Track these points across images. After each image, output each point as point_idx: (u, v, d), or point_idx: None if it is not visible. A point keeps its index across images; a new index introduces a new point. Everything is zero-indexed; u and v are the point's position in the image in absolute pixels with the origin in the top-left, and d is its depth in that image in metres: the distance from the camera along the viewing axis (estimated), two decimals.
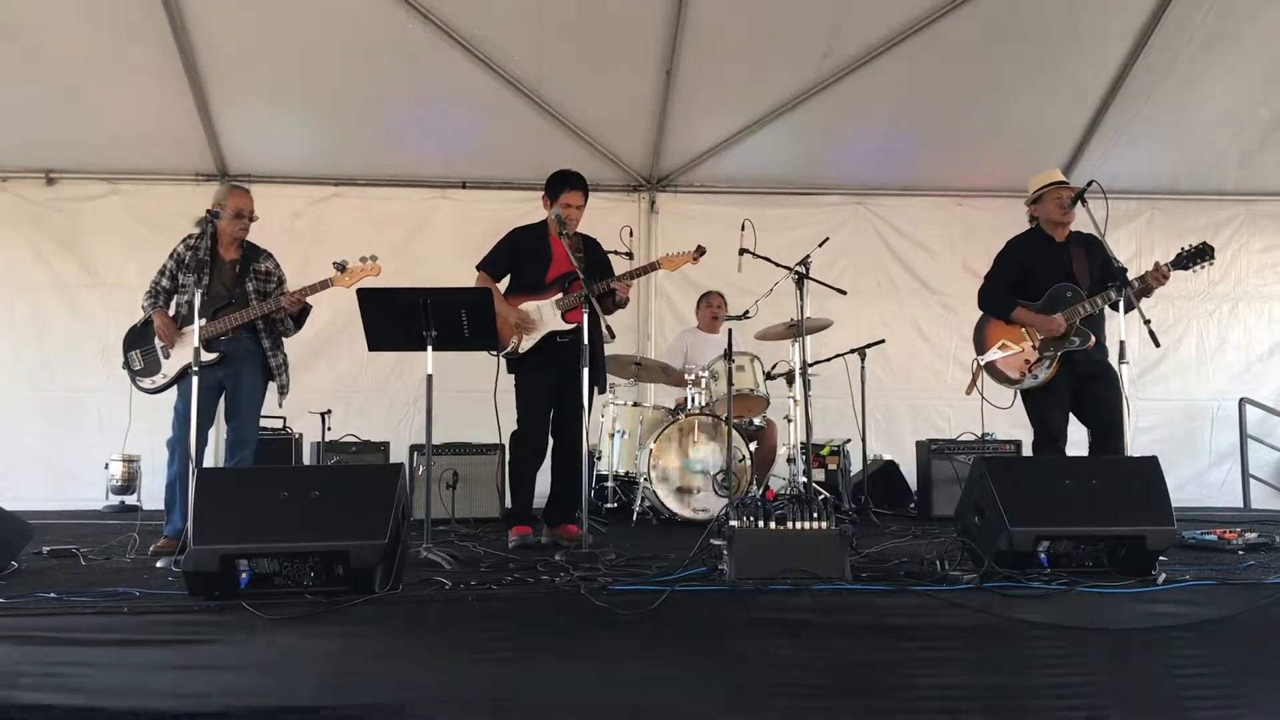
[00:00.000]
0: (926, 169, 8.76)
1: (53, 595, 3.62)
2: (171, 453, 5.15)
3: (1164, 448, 8.23)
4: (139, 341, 5.33)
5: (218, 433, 5.72)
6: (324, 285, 5.24)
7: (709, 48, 7.47)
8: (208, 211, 5.17)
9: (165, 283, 5.33)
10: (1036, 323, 5.40)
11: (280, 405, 5.66)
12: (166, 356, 5.24)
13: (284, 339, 5.48)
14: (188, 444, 5.03)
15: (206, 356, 5.06)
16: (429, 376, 4.82)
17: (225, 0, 7.07)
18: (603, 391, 6.08)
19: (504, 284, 5.58)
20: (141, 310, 5.36)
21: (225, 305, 5.19)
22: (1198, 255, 5.28)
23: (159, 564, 4.59)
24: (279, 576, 3.57)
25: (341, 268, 5.22)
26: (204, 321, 5.09)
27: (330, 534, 3.56)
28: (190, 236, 5.35)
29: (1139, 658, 3.62)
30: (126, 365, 5.34)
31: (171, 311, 5.33)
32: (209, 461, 5.13)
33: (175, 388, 5.23)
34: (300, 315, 5.42)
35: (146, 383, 5.29)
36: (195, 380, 4.67)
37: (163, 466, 5.27)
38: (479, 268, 5.55)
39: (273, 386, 5.47)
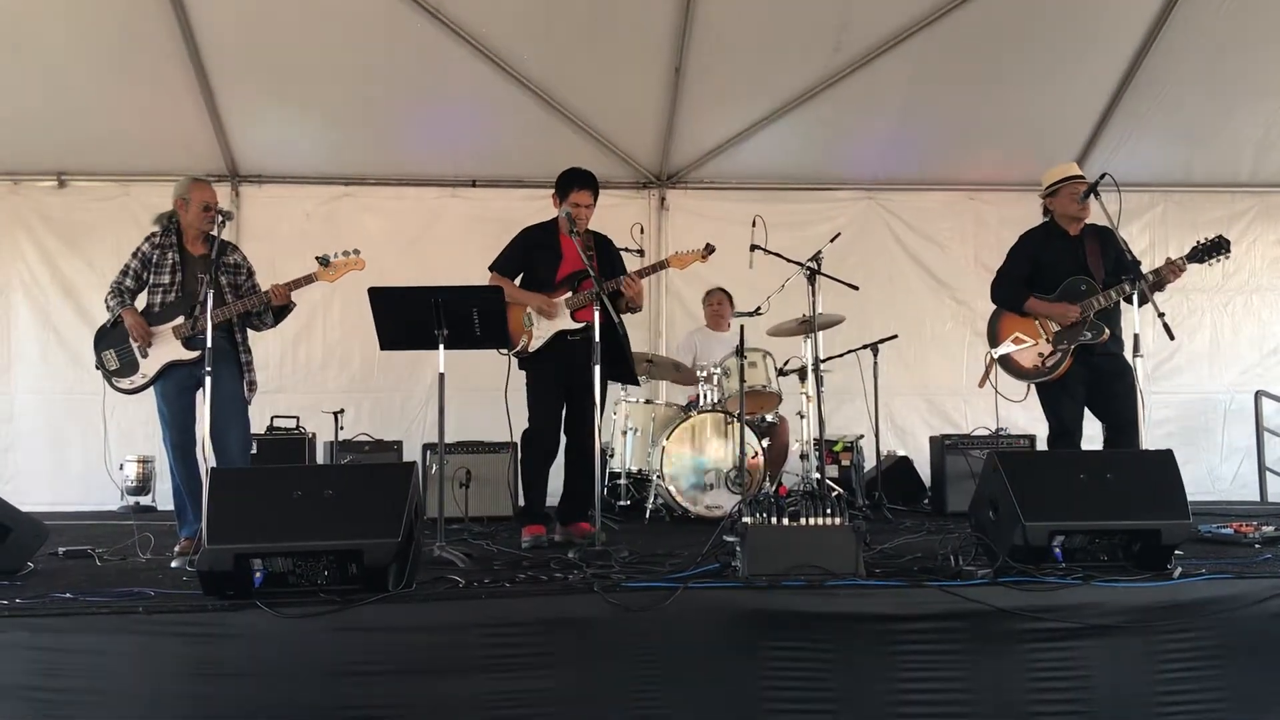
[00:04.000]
0: (937, 163, 8.73)
1: (68, 595, 3.64)
2: (171, 455, 5.12)
3: (1179, 441, 8.23)
4: (111, 341, 5.16)
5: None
6: (308, 280, 5.17)
7: (718, 44, 7.46)
8: (179, 208, 5.16)
9: (129, 282, 5.18)
10: (1049, 312, 5.38)
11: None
12: (144, 355, 5.08)
13: (260, 331, 5.39)
14: (180, 445, 5.04)
15: (187, 354, 5.03)
16: (441, 375, 4.83)
17: (232, 1, 7.08)
18: (636, 384, 6.10)
19: (516, 283, 5.58)
20: (107, 310, 5.20)
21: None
22: (1213, 249, 5.24)
23: (174, 564, 4.60)
24: (293, 576, 3.58)
25: (325, 262, 5.18)
26: (180, 320, 5.07)
27: (344, 533, 3.56)
28: (154, 235, 5.23)
29: (1154, 652, 3.61)
30: (100, 365, 5.18)
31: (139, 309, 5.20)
32: (200, 458, 5.00)
33: (155, 389, 5.12)
34: (282, 310, 5.30)
35: (124, 383, 5.12)
36: (209, 381, 4.66)
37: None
38: (491, 268, 5.55)
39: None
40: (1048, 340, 5.38)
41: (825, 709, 3.50)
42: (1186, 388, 8.85)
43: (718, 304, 7.84)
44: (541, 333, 5.42)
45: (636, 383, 6.14)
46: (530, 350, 5.42)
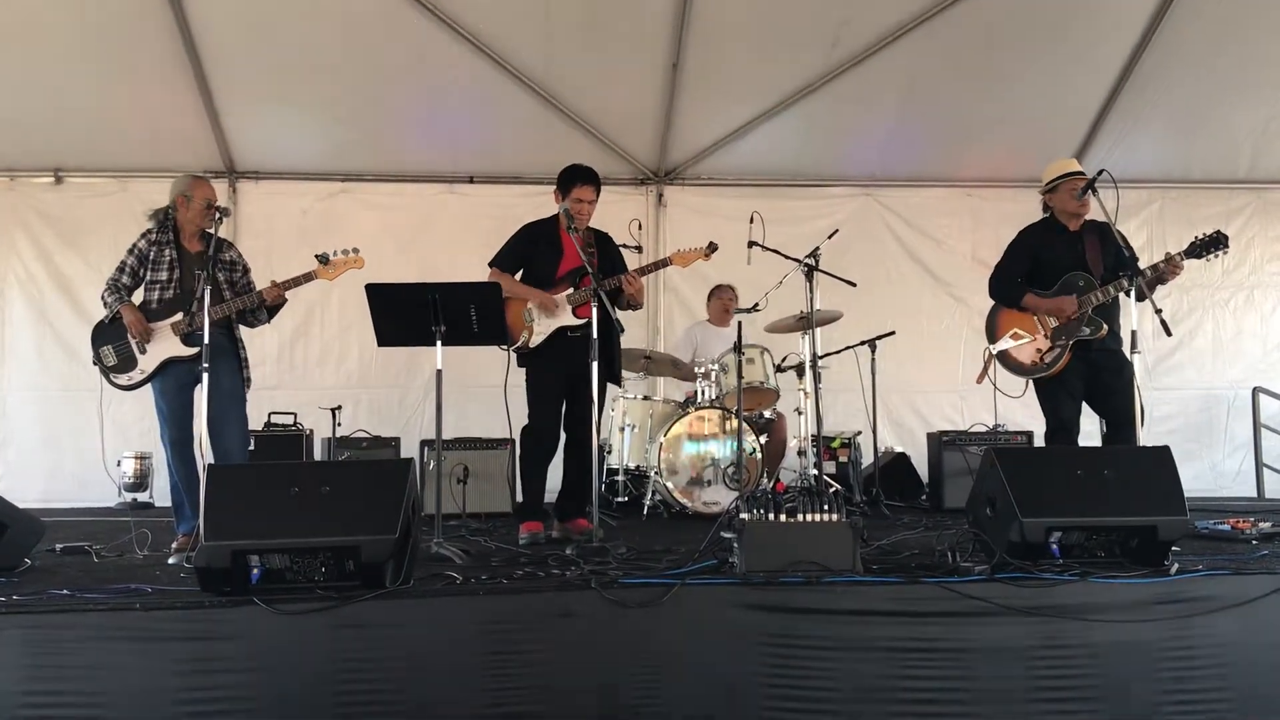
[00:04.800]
0: (935, 159, 8.74)
1: (65, 592, 3.63)
2: (169, 452, 5.10)
3: (1177, 437, 8.27)
4: (109, 337, 5.12)
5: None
6: (307, 278, 5.17)
7: (715, 40, 7.45)
8: (181, 202, 5.14)
9: (126, 279, 5.15)
10: (1047, 307, 5.38)
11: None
12: (142, 352, 5.07)
13: (254, 328, 5.39)
14: (179, 441, 5.02)
15: (185, 351, 5.02)
16: (438, 371, 4.82)
17: None
18: (619, 385, 6.09)
19: (516, 279, 5.57)
20: (104, 306, 5.16)
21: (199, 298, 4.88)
22: (1211, 244, 5.23)
23: (171, 560, 4.60)
24: (290, 572, 3.57)
25: (324, 260, 5.17)
26: (179, 317, 5.05)
27: (341, 529, 3.55)
28: (150, 231, 5.20)
29: (1151, 648, 3.61)
30: (98, 361, 5.15)
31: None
32: (198, 454, 4.98)
33: (153, 385, 5.10)
34: (275, 306, 5.29)
35: (122, 379, 5.10)
36: (206, 378, 4.64)
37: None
38: (492, 264, 5.53)
39: None
40: (1046, 336, 5.38)
41: (822, 705, 3.50)
42: (1189, 384, 8.88)
43: (731, 299, 7.80)
44: (542, 329, 5.41)
45: (620, 384, 6.12)
46: (531, 347, 5.42)
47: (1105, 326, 5.30)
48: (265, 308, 5.25)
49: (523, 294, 5.41)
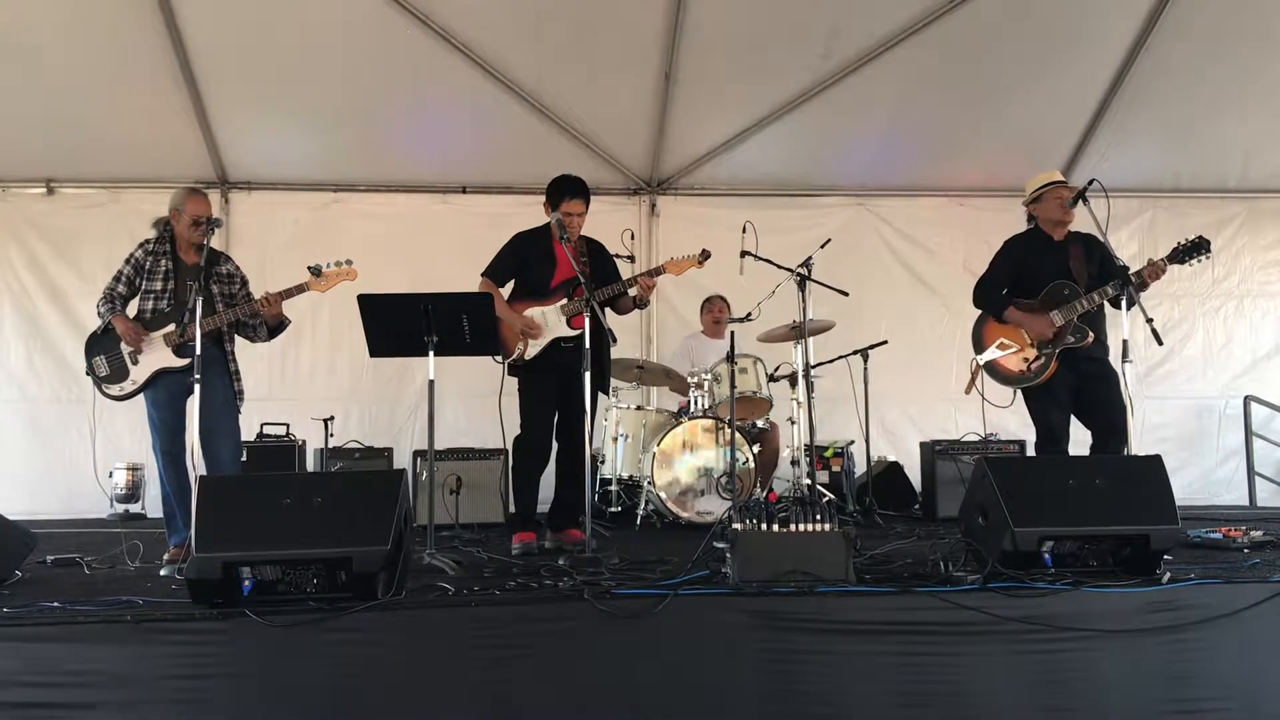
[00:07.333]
0: (926, 169, 8.76)
1: (56, 604, 3.61)
2: (161, 462, 5.08)
3: (1169, 446, 8.28)
4: (102, 347, 5.11)
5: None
6: (299, 289, 5.15)
7: (708, 50, 7.47)
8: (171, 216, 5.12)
9: (121, 288, 5.14)
10: (1026, 324, 5.39)
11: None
12: (135, 362, 5.05)
13: (253, 343, 5.38)
14: (171, 452, 4.99)
15: (177, 362, 5.00)
16: (431, 382, 4.82)
17: (221, 8, 7.06)
18: (607, 394, 6.09)
19: (508, 289, 5.58)
20: (98, 316, 5.13)
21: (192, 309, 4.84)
22: (1194, 249, 5.27)
23: (163, 572, 4.58)
24: (282, 584, 3.56)
25: (316, 272, 5.15)
26: (171, 328, 5.04)
27: (333, 540, 3.55)
28: (148, 242, 5.18)
29: (1144, 657, 3.62)
30: (90, 371, 5.13)
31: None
32: (189, 465, 4.95)
33: (145, 396, 5.08)
34: (277, 326, 5.28)
35: (114, 389, 5.08)
36: (197, 389, 4.63)
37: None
38: (484, 275, 5.53)
39: None
40: (1032, 345, 5.39)
41: (816, 715, 3.50)
42: (1178, 393, 8.90)
43: (720, 310, 7.82)
44: (537, 341, 5.41)
45: (607, 392, 6.11)
46: (527, 358, 5.41)
47: (1091, 334, 5.30)
48: (266, 325, 5.23)
49: (505, 318, 5.37)
